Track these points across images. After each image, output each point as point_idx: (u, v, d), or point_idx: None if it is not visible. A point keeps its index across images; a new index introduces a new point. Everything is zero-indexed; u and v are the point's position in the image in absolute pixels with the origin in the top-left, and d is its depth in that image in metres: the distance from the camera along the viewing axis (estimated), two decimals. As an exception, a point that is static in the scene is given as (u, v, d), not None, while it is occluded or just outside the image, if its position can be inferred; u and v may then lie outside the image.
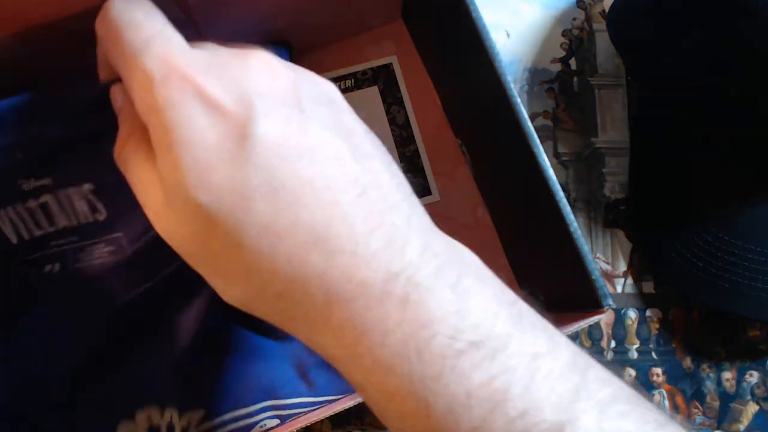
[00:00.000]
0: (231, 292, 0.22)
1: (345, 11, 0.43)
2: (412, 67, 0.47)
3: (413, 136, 0.47)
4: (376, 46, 0.47)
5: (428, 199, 0.46)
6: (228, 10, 0.37)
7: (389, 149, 0.46)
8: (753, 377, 0.47)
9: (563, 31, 0.51)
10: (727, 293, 0.43)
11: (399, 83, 0.47)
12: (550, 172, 0.31)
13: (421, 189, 0.46)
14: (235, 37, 0.40)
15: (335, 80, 0.47)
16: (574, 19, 0.51)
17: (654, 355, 0.47)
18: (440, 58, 0.45)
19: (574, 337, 0.46)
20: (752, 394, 0.46)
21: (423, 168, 0.46)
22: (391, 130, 0.47)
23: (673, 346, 0.47)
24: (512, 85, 0.32)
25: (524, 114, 0.32)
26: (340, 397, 0.36)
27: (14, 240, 0.33)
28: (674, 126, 0.46)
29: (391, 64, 0.47)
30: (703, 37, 0.41)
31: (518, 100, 0.32)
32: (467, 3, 0.33)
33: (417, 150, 0.47)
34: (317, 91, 0.23)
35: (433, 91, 0.47)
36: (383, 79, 0.47)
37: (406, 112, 0.47)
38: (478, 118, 0.42)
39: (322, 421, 0.44)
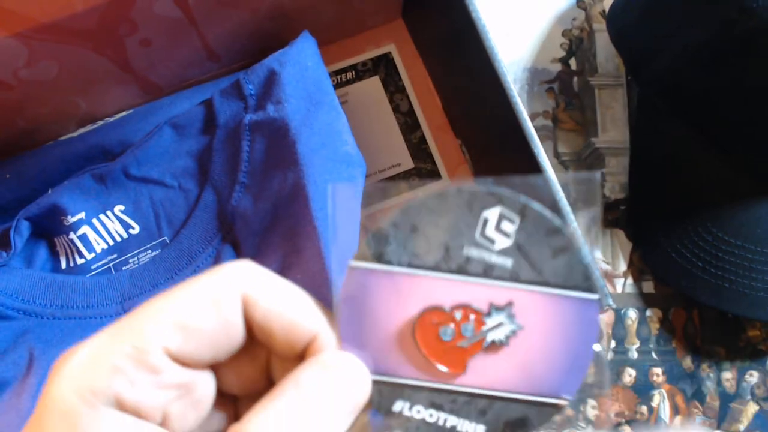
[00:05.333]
0: None
1: (345, 11, 0.43)
2: (412, 66, 0.47)
3: (418, 122, 0.47)
4: (376, 46, 0.47)
5: (438, 183, 0.46)
6: (228, 10, 0.37)
7: (396, 138, 0.47)
8: (753, 377, 0.47)
9: (563, 31, 0.51)
10: (727, 293, 0.43)
11: (399, 70, 0.47)
12: (550, 172, 0.31)
13: (430, 174, 0.46)
14: (234, 38, 0.40)
15: (335, 74, 0.47)
16: (574, 19, 0.51)
17: (654, 355, 0.47)
18: (440, 58, 0.45)
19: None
20: (752, 394, 0.46)
21: (431, 153, 0.46)
22: (396, 118, 0.47)
23: (673, 346, 0.47)
24: (512, 85, 0.32)
25: (524, 114, 0.32)
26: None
27: (63, 265, 0.37)
28: (674, 126, 0.46)
29: (390, 52, 0.47)
30: (702, 37, 0.41)
31: (518, 100, 0.32)
32: (467, 3, 0.33)
33: (423, 136, 0.47)
34: None
35: (433, 91, 0.47)
36: (383, 68, 0.47)
37: (409, 99, 0.47)
38: (478, 118, 0.42)
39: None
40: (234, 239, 0.37)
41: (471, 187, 0.19)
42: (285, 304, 0.20)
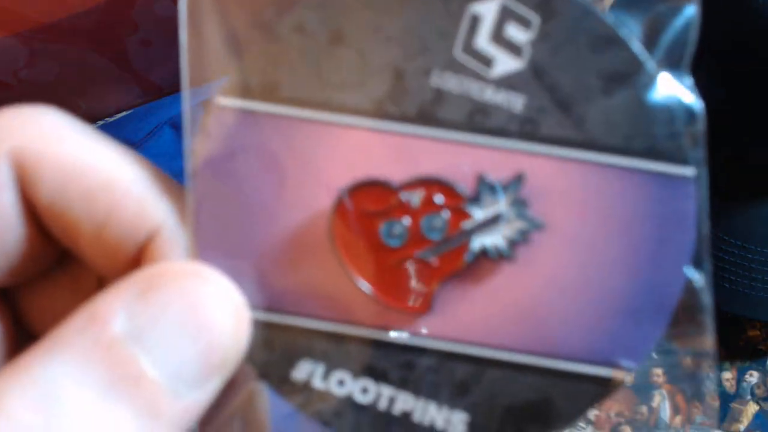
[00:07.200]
0: None
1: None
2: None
3: None
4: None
5: None
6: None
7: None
8: (753, 377, 0.47)
9: (563, 31, 0.51)
10: (727, 293, 0.43)
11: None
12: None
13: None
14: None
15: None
16: (574, 19, 0.51)
17: (654, 355, 0.47)
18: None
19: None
20: (752, 394, 0.46)
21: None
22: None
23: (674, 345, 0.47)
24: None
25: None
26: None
27: None
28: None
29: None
30: (704, 37, 0.41)
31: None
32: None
33: None
34: None
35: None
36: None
37: None
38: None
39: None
40: (234, 239, 0.37)
41: None
42: (95, 174, 0.11)
